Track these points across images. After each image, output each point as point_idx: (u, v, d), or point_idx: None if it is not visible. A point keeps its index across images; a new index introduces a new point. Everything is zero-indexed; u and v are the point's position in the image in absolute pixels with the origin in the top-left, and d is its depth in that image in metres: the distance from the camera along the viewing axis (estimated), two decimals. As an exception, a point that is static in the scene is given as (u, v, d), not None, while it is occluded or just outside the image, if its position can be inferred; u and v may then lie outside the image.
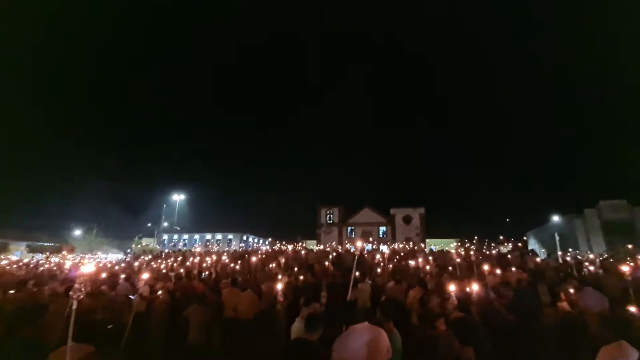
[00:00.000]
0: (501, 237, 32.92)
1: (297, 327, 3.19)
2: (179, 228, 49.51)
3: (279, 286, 4.90)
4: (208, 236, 54.91)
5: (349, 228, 45.63)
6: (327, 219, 46.97)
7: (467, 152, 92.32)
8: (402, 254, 15.94)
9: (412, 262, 11.84)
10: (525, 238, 41.18)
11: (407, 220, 43.27)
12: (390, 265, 9.84)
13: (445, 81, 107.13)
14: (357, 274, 8.27)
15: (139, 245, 39.91)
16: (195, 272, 9.41)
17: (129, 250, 37.74)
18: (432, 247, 36.43)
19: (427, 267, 9.05)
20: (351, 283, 4.36)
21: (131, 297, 6.94)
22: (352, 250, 20.23)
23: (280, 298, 4.79)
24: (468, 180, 74.26)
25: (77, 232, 43.33)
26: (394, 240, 40.46)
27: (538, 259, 11.42)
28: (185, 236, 54.98)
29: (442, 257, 13.33)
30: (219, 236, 54.79)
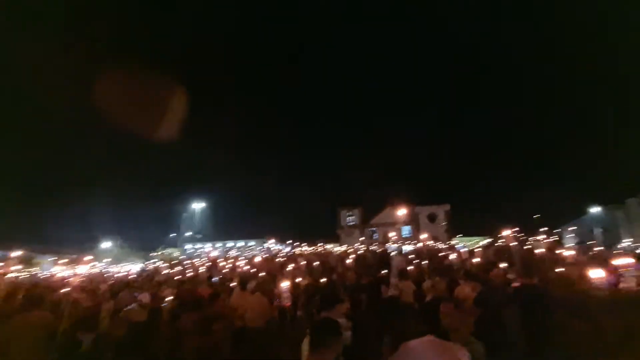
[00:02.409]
0: (541, 230, 30.53)
1: (305, 344, 2.10)
2: (200, 236, 49.65)
3: (285, 284, 3.89)
4: (230, 244, 54.83)
5: (371, 229, 44.19)
6: (348, 220, 45.76)
7: (494, 144, 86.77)
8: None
9: (453, 256, 10.57)
10: (565, 229, 38.42)
11: (432, 218, 41.42)
12: (425, 262, 8.65)
13: (470, 69, 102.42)
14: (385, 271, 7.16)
15: (160, 253, 40.10)
16: (205, 276, 8.56)
17: (151, 261, 37.88)
18: (460, 244, 34.38)
19: (473, 260, 7.80)
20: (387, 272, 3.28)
21: (128, 307, 6.13)
22: (377, 251, 19.05)
23: (286, 302, 3.78)
24: (495, 174, 70.42)
25: (104, 245, 44.10)
26: (418, 239, 38.63)
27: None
28: (208, 245, 55.11)
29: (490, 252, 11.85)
30: (240, 243, 54.64)
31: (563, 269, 5.39)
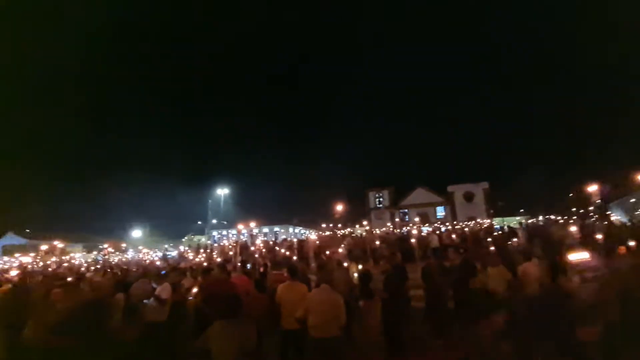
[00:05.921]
0: (586, 210, 27.08)
1: None
2: (225, 223, 49.31)
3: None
4: (255, 230, 54.31)
5: (402, 211, 42.00)
6: (377, 202, 43.72)
7: (533, 116, 79.36)
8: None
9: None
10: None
11: (469, 197, 38.54)
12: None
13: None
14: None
15: (187, 239, 39.99)
16: (238, 261, 7.04)
17: (181, 246, 37.73)
18: (497, 225, 31.66)
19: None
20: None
21: (145, 301, 4.66)
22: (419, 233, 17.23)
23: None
24: (534, 149, 65.07)
25: (134, 233, 44.59)
26: (454, 220, 36.20)
27: None
28: (234, 231, 54.76)
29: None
30: (265, 229, 53.98)
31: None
